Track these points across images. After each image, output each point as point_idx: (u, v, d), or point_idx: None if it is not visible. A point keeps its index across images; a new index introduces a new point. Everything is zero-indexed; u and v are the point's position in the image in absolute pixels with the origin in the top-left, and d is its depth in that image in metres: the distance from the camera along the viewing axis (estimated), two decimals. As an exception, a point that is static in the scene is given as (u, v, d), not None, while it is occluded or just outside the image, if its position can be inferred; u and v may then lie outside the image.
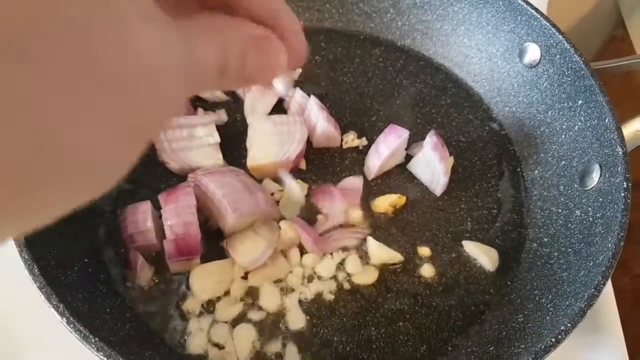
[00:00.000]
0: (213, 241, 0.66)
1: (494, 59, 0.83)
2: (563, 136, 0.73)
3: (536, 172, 0.75)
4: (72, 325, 0.48)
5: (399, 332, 0.63)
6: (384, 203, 0.72)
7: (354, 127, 0.79)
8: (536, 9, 0.76)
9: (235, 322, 0.61)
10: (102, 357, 0.47)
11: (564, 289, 0.59)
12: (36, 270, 0.51)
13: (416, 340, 0.62)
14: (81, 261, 0.61)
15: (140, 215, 0.62)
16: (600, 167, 0.65)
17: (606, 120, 0.65)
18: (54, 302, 0.49)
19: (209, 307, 0.62)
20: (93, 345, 0.48)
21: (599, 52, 1.28)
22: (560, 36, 0.73)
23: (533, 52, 0.77)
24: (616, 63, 0.76)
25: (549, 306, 0.59)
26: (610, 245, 0.56)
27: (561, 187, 0.71)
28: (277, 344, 0.61)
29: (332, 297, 0.64)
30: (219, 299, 0.63)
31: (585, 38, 1.26)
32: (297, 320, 0.62)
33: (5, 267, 0.58)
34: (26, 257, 0.51)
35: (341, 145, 0.77)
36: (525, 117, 0.79)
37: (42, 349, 0.62)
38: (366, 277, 0.66)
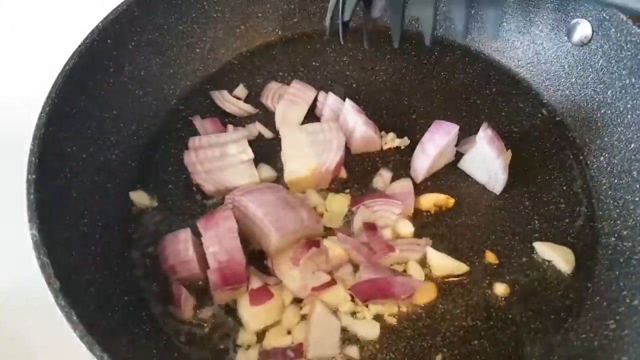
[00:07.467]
0: (257, 264, 0.60)
1: (538, 41, 0.76)
2: (629, 116, 0.66)
3: (602, 158, 0.68)
4: (120, 378, 0.43)
5: (474, 351, 0.56)
6: (429, 202, 0.66)
7: (392, 127, 0.73)
8: (582, -19, 0.69)
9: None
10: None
11: (661, 288, 0.52)
12: (74, 317, 0.46)
13: (494, 359, 0.56)
14: (121, 300, 0.56)
15: (182, 245, 0.57)
16: (682, 146, 0.58)
17: (681, 93, 0.58)
18: (98, 353, 0.44)
19: (259, 337, 0.57)
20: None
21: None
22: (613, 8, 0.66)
23: (583, 29, 0.71)
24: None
25: (645, 309, 0.52)
26: None
27: (634, 172, 0.64)
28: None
29: (395, 320, 0.58)
30: (270, 327, 0.57)
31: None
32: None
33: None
34: (62, 303, 0.46)
35: (381, 147, 0.72)
36: (581, 100, 0.72)
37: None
38: (424, 295, 0.60)
